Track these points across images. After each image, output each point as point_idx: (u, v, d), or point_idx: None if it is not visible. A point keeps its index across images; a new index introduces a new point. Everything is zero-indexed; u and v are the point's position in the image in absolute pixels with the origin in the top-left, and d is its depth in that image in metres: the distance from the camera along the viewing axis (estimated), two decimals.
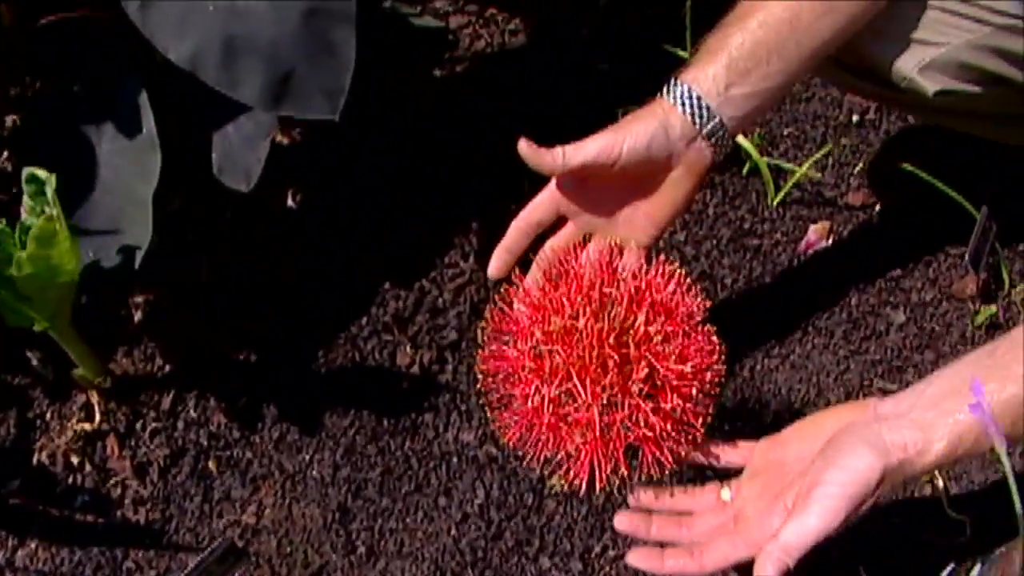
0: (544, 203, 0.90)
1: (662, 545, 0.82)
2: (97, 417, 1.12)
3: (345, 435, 1.12)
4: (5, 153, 1.21)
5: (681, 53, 1.24)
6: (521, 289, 0.82)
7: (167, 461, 1.10)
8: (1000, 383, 0.73)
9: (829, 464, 0.75)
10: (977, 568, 0.90)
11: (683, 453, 0.81)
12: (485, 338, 0.83)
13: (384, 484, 1.09)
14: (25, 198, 0.92)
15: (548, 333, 0.77)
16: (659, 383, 0.77)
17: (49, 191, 0.89)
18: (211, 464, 1.11)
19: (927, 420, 0.74)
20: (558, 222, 0.91)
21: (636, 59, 1.35)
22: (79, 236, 0.95)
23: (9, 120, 1.21)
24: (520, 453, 1.07)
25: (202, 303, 1.19)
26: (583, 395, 0.76)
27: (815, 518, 0.73)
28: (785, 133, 1.28)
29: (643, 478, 0.83)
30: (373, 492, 1.09)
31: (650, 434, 0.78)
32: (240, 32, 0.90)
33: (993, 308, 1.13)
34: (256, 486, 1.10)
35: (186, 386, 1.14)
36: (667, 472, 0.83)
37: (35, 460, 1.09)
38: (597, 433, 0.78)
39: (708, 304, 0.81)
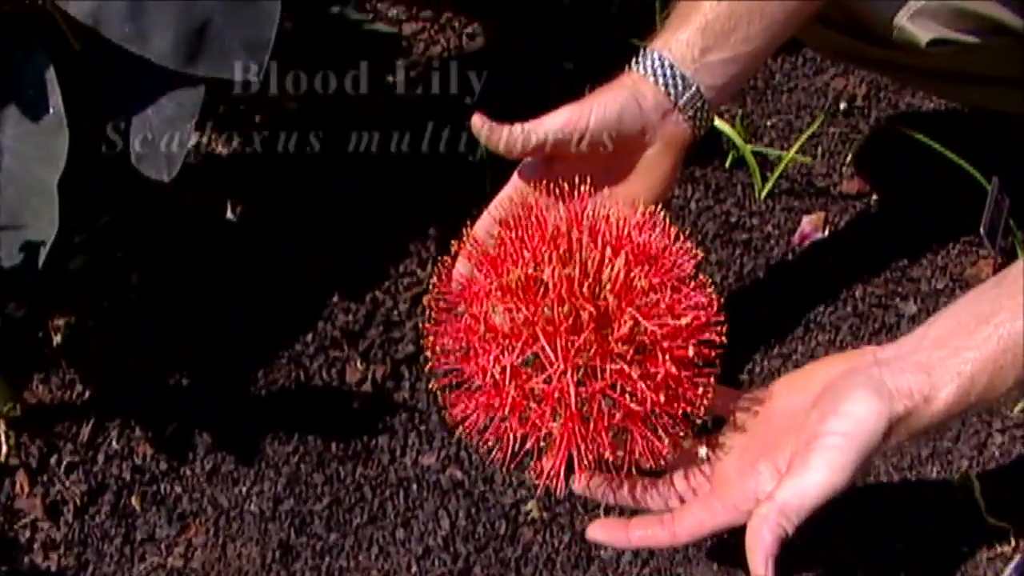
0: (507, 199, 0.79)
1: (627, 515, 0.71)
2: (4, 450, 0.98)
3: (288, 463, 0.98)
4: None
5: None
6: (471, 239, 0.70)
7: (84, 499, 0.96)
8: (1012, 313, 0.63)
9: (828, 413, 0.64)
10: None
11: (682, 437, 0.68)
12: (431, 309, 0.70)
13: (332, 517, 0.95)
14: None
15: (506, 288, 0.64)
16: (646, 344, 0.64)
17: None
18: (134, 501, 0.96)
19: (933, 361, 0.64)
20: None
21: (604, 58, 1.24)
22: None
23: None
24: (489, 473, 0.95)
25: (130, 324, 1.06)
26: (553, 359, 0.63)
27: (818, 473, 0.62)
28: (769, 124, 1.18)
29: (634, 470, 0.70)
30: (320, 527, 0.94)
31: (639, 409, 0.65)
32: None
33: None
34: (185, 524, 0.95)
35: (108, 414, 1.01)
36: (663, 462, 0.70)
37: None
38: (573, 409, 0.64)
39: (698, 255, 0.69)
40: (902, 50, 0.88)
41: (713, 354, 0.67)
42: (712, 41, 0.78)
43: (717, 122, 1.09)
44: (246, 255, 1.10)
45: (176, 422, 1.00)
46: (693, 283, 0.67)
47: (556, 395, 0.64)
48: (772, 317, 1.02)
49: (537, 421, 0.66)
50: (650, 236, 0.67)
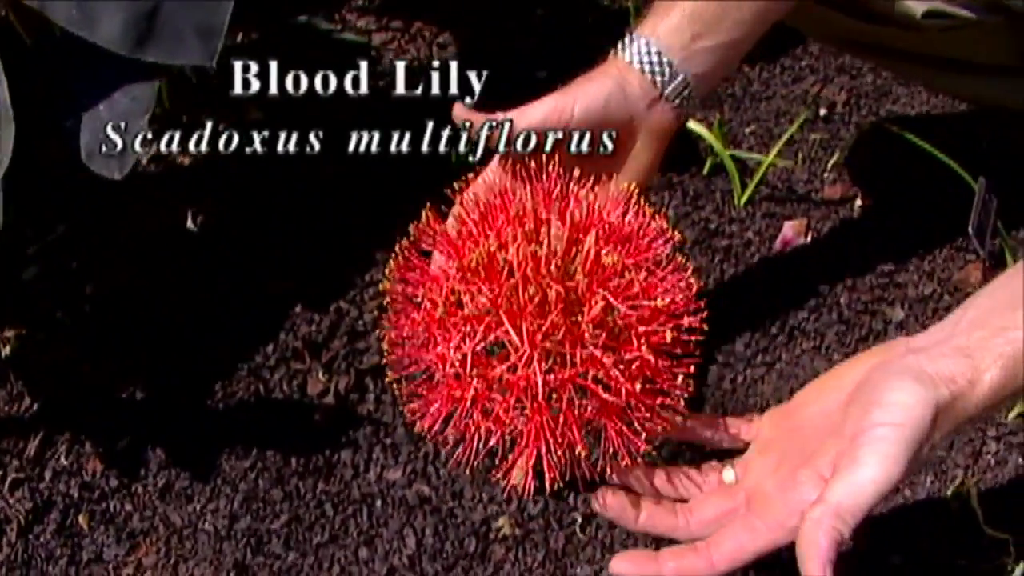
0: (480, 185, 0.75)
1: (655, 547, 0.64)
2: None
3: (245, 479, 0.92)
4: None
5: None
6: (429, 222, 0.65)
7: (29, 517, 0.91)
8: None
9: (871, 406, 0.59)
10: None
11: (660, 429, 0.63)
12: (388, 298, 0.65)
13: (291, 535, 0.89)
14: None
15: (467, 269, 0.60)
16: (620, 329, 0.60)
17: None
18: (82, 519, 0.91)
19: (973, 343, 0.59)
20: None
21: (578, 66, 1.21)
22: None
23: None
24: (458, 488, 0.90)
25: (83, 335, 1.01)
26: (518, 344, 0.58)
27: (870, 469, 0.57)
28: (748, 131, 1.14)
29: (610, 472, 0.65)
30: (278, 546, 0.89)
31: (613, 400, 0.60)
32: None
33: None
34: (135, 543, 0.90)
35: (57, 428, 0.95)
36: (640, 458, 0.65)
37: None
38: (541, 400, 0.60)
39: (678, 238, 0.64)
40: (898, 28, 0.85)
41: (692, 342, 0.62)
42: (702, 27, 0.75)
43: (695, 126, 1.06)
44: (206, 264, 1.06)
45: (128, 437, 0.95)
46: (670, 266, 0.63)
47: (522, 384, 0.59)
48: (753, 325, 0.98)
49: (502, 414, 0.61)
50: (623, 215, 0.63)
